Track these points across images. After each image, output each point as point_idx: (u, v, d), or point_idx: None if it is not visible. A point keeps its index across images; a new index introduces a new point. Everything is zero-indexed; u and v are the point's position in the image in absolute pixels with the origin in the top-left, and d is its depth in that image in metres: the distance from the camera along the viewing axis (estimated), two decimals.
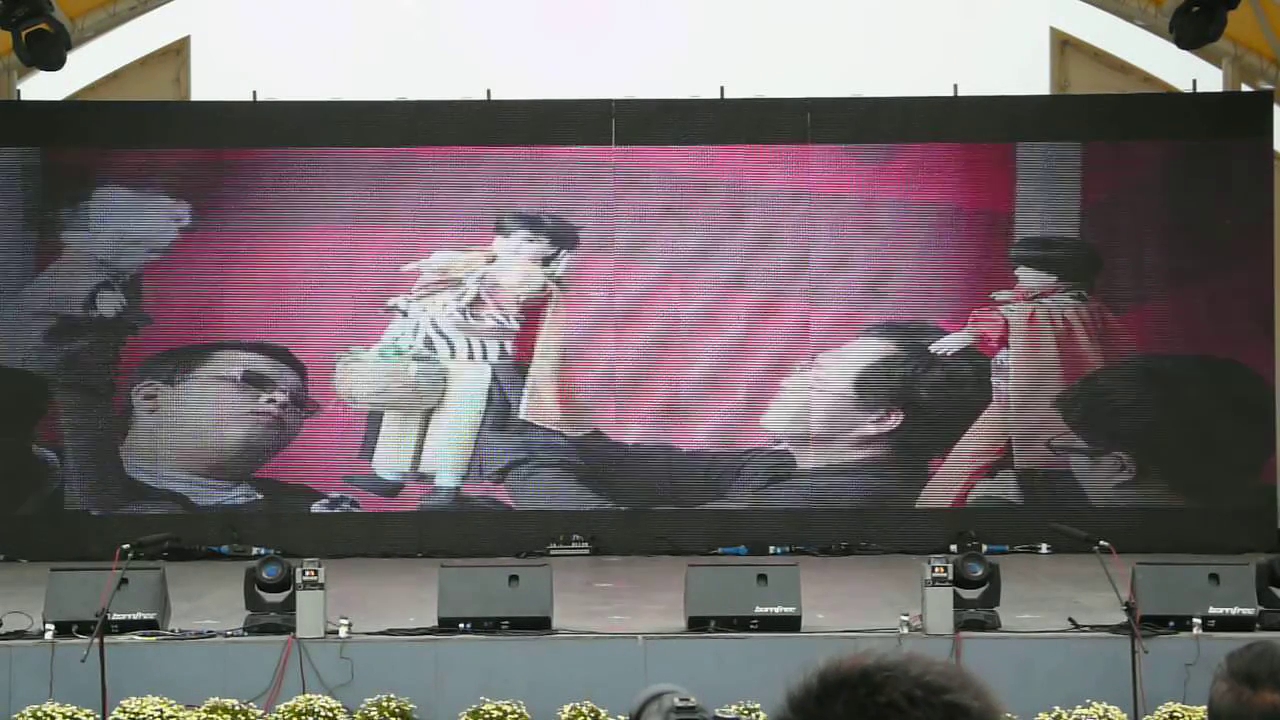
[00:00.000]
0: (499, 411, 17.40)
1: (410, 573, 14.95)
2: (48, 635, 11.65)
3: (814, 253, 17.48)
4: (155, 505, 17.21)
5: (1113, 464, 17.26)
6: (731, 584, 12.24)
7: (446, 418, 17.39)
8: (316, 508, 17.30)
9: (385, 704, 11.39)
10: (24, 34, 15.12)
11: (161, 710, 11.11)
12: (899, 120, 17.50)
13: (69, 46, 15.76)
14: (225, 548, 16.83)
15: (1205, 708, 3.31)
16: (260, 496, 17.29)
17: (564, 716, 11.22)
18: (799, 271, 17.45)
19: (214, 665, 11.68)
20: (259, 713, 11.33)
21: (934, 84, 17.50)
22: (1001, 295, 17.39)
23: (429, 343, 17.41)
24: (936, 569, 11.80)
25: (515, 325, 17.44)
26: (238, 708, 11.28)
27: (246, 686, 11.48)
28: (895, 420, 17.33)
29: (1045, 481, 17.28)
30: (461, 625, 11.97)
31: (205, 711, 11.23)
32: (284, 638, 11.73)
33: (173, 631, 12.08)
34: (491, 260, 17.42)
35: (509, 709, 11.28)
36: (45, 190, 17.35)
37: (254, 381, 17.38)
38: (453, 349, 17.41)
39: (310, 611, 11.78)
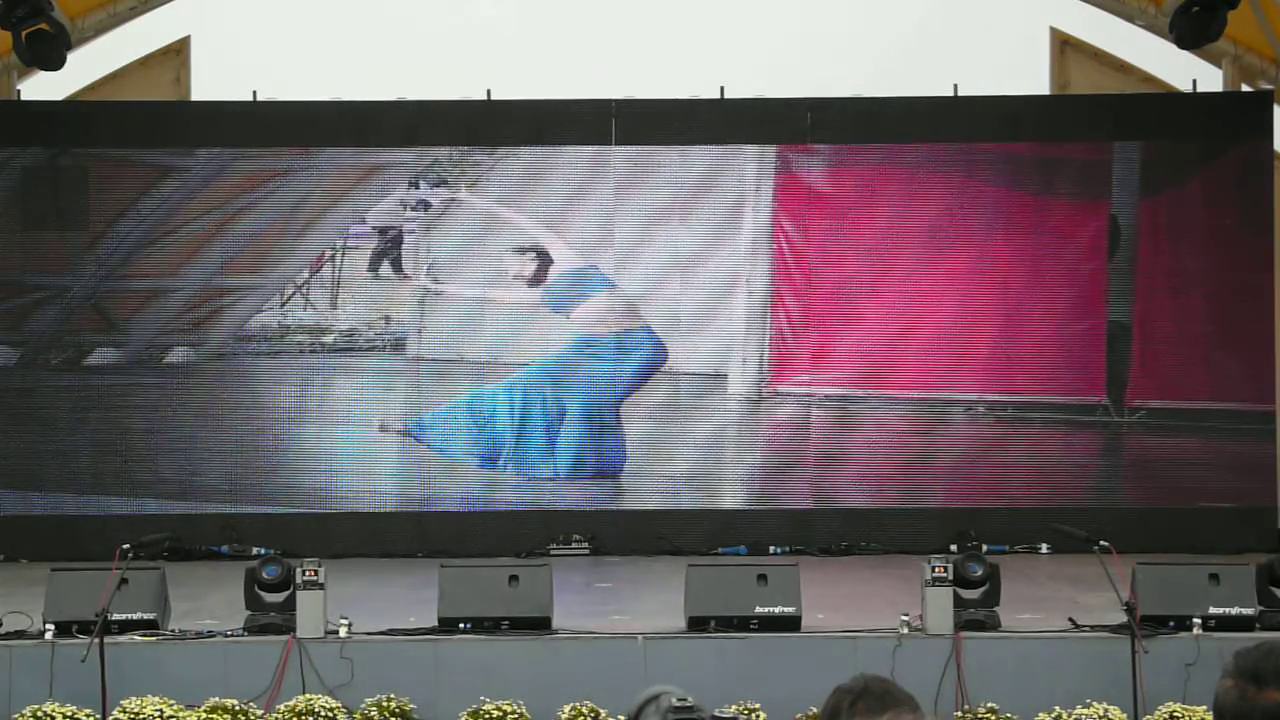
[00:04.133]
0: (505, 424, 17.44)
1: (410, 573, 14.95)
2: (48, 635, 11.65)
3: (813, 252, 17.48)
4: (156, 505, 17.21)
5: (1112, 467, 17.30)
6: (731, 584, 12.24)
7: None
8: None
9: (385, 704, 11.40)
10: (24, 34, 15.12)
11: (161, 710, 11.11)
12: (899, 120, 17.49)
13: (69, 46, 15.77)
14: (225, 548, 16.83)
15: (1206, 708, 3.33)
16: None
17: (564, 716, 11.23)
18: (798, 271, 17.45)
19: (214, 665, 11.68)
20: (259, 713, 11.34)
21: (934, 84, 17.51)
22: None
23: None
24: (936, 569, 11.81)
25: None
26: (238, 708, 11.28)
27: (246, 686, 11.49)
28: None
29: (1049, 480, 17.30)
30: (461, 625, 11.98)
31: (205, 711, 11.23)
32: (284, 638, 11.73)
33: (173, 631, 12.08)
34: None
35: (509, 709, 11.29)
36: (45, 190, 17.35)
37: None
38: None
39: (310, 611, 11.78)
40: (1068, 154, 17.48)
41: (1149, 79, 18.20)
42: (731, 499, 17.38)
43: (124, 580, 11.49)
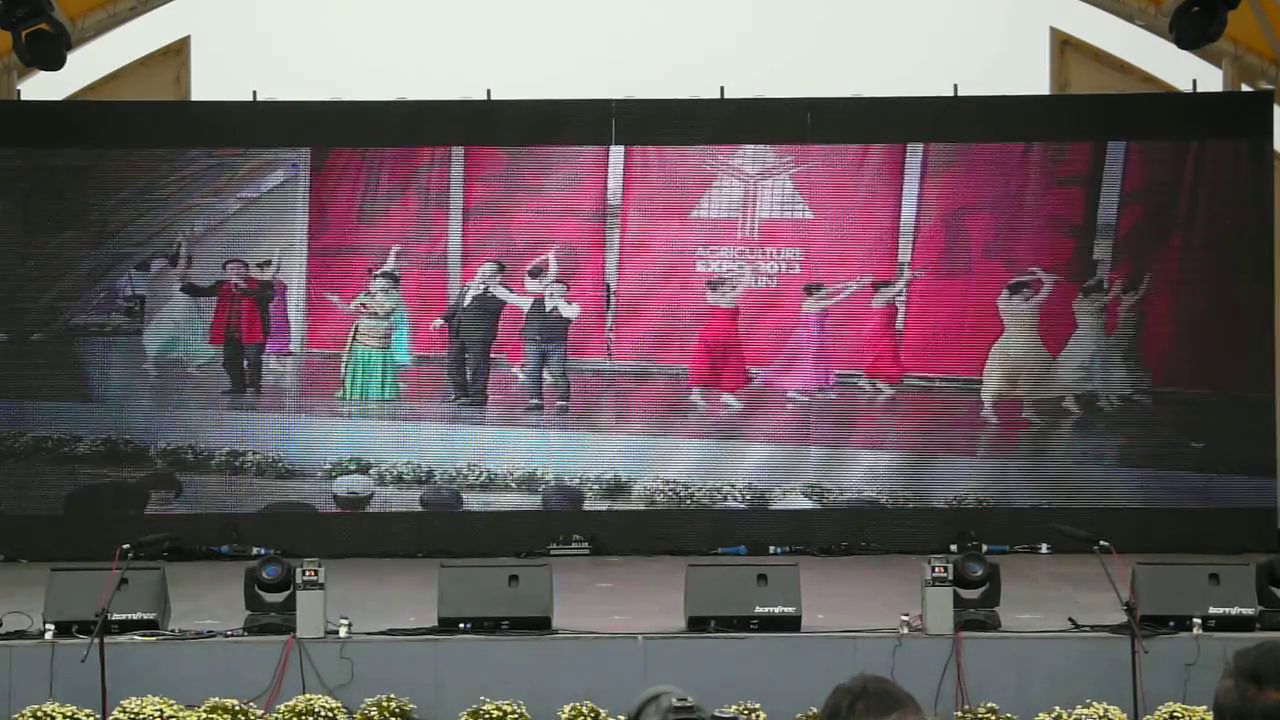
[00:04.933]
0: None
1: (410, 573, 14.95)
2: (48, 635, 11.65)
3: (814, 252, 17.48)
4: (156, 506, 17.23)
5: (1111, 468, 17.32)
6: (731, 584, 12.24)
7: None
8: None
9: (385, 704, 11.39)
10: (24, 34, 15.12)
11: (161, 710, 11.11)
12: (899, 120, 17.50)
13: (69, 46, 15.76)
14: (225, 548, 16.83)
15: (1206, 708, 3.33)
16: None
17: (564, 716, 11.22)
18: (799, 271, 17.46)
19: (214, 665, 11.69)
20: (259, 713, 11.34)
21: (934, 84, 17.51)
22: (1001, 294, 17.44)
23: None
24: (936, 569, 11.80)
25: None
26: (238, 708, 11.28)
27: (246, 686, 11.49)
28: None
29: (1049, 480, 17.33)
30: (461, 625, 11.97)
31: (205, 711, 11.23)
32: (284, 638, 11.73)
33: (173, 631, 12.08)
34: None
35: (509, 709, 11.28)
36: (45, 190, 17.35)
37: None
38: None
39: (310, 611, 11.78)
40: (1067, 153, 17.49)
41: (1149, 79, 18.20)
42: (731, 499, 17.38)
43: (124, 580, 11.50)
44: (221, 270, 17.47)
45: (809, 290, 17.41)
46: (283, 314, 17.53)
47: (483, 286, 17.44)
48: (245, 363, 17.48)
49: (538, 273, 17.41)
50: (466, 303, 17.47)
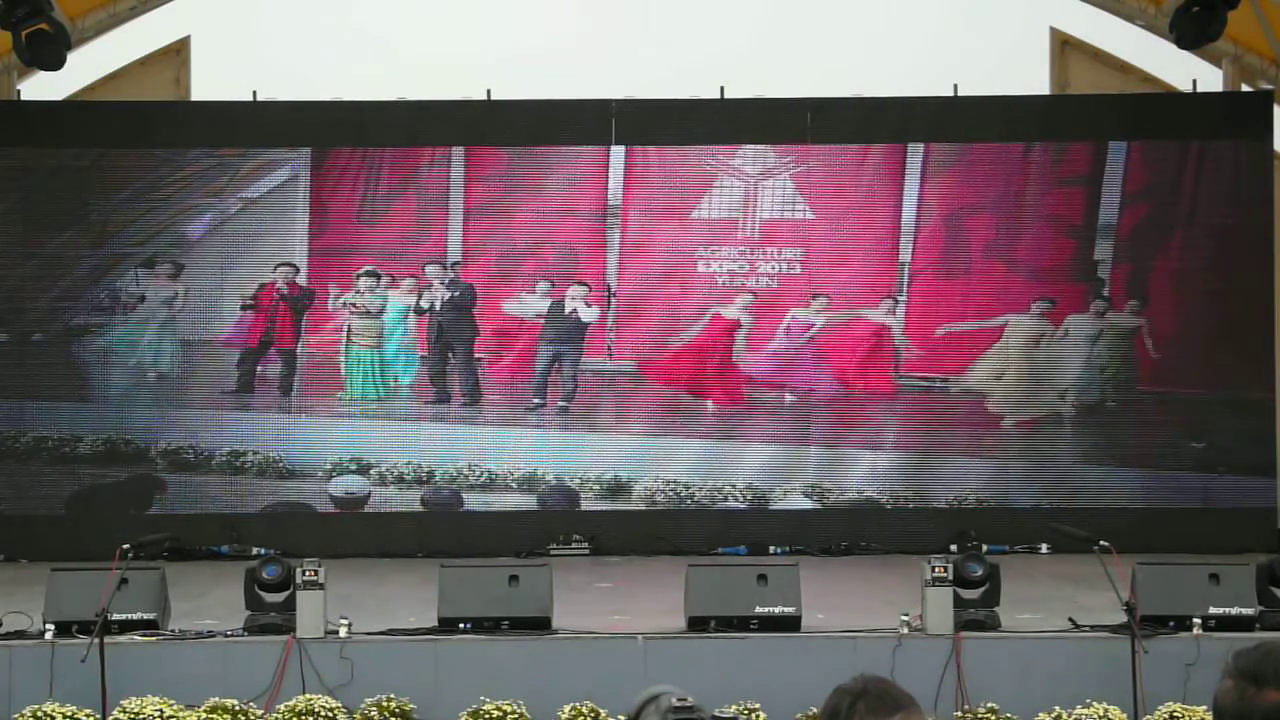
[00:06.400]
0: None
1: (410, 573, 14.96)
2: (48, 635, 11.65)
3: (814, 253, 17.49)
4: (157, 506, 17.24)
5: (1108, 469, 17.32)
6: (731, 584, 12.24)
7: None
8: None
9: (385, 704, 11.39)
10: (24, 34, 15.12)
11: (161, 710, 11.11)
12: (899, 120, 17.51)
13: (69, 46, 15.76)
14: (225, 548, 16.83)
15: (1206, 708, 3.33)
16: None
17: (564, 716, 11.23)
18: (800, 271, 17.46)
19: (214, 665, 11.68)
20: (259, 713, 11.34)
21: (934, 84, 17.51)
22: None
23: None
24: (936, 569, 11.80)
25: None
26: (238, 708, 11.28)
27: (246, 686, 11.49)
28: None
29: (1049, 480, 17.33)
30: (461, 625, 11.98)
31: (205, 711, 11.23)
32: (284, 638, 11.73)
33: (173, 631, 12.08)
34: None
35: (509, 709, 11.29)
36: (45, 190, 17.36)
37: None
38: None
39: (310, 611, 11.78)
40: (1067, 153, 17.50)
41: (1149, 79, 18.21)
42: (731, 499, 17.39)
43: (124, 580, 11.50)
44: (271, 272, 17.45)
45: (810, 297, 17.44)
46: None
47: (441, 286, 17.42)
48: (271, 366, 17.44)
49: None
50: (439, 306, 17.46)
